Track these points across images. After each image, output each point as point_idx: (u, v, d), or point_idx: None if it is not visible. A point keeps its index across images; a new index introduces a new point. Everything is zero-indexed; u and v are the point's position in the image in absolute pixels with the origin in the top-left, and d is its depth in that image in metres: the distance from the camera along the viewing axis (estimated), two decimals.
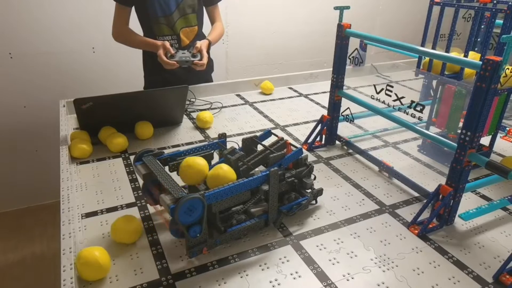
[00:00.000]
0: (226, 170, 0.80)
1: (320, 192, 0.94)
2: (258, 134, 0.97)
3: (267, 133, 0.98)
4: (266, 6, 2.59)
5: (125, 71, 2.26)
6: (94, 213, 0.90)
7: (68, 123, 1.32)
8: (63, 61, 2.15)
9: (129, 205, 0.94)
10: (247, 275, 0.74)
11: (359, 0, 2.82)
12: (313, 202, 0.94)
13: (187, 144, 1.26)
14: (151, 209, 0.92)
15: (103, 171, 1.08)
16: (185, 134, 1.33)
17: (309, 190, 0.91)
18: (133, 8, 1.59)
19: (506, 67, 0.93)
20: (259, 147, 0.92)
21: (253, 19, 2.59)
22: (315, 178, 0.92)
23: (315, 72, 1.92)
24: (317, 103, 1.64)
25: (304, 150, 0.90)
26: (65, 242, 0.76)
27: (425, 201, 0.90)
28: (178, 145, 1.24)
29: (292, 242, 0.83)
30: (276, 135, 0.96)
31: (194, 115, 1.46)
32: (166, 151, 0.90)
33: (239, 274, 0.74)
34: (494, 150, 1.22)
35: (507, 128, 1.35)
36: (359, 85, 1.82)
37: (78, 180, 1.03)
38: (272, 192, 0.81)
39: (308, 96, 1.73)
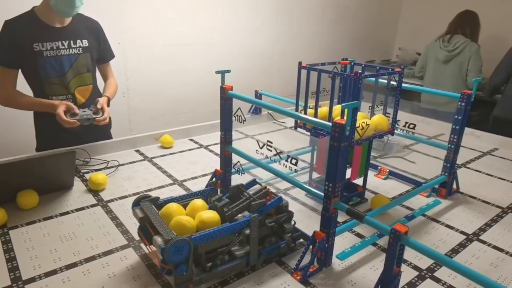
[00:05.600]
0: (211, 216, 0.92)
1: (299, 236, 1.04)
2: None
3: (252, 182, 1.10)
4: (168, 56, 2.66)
5: (14, 133, 2.11)
6: None
7: None
8: None
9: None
10: None
11: (256, 47, 3.05)
12: (293, 245, 1.03)
13: (77, 210, 1.21)
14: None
15: None
16: (76, 199, 1.28)
17: (288, 235, 1.00)
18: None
19: (362, 121, 1.10)
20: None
21: (155, 71, 2.63)
22: (294, 223, 1.02)
23: (216, 122, 2.00)
24: (217, 154, 1.71)
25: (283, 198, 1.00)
26: None
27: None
28: (67, 212, 1.19)
29: None
30: (260, 184, 1.07)
31: (88, 176, 1.41)
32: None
33: None
34: (369, 188, 1.38)
35: (379, 167, 1.55)
36: (258, 132, 1.94)
37: None
38: (252, 236, 0.92)
39: (208, 147, 1.79)
